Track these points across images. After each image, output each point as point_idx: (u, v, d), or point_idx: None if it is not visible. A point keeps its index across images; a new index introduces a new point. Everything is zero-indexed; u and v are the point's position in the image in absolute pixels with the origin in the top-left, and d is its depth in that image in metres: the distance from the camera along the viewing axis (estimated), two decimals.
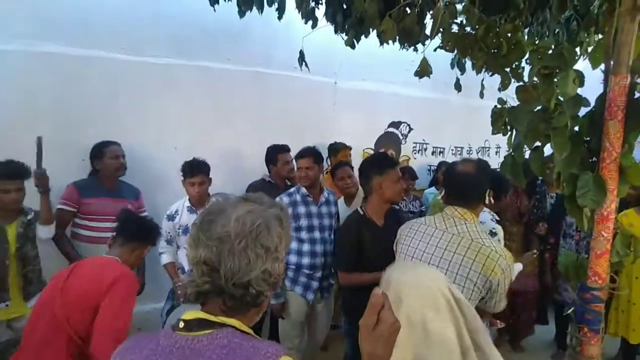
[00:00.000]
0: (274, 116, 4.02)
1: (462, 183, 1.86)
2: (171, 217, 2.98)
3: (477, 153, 5.65)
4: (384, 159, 2.49)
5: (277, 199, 2.95)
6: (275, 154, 3.43)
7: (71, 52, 3.17)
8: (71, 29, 3.16)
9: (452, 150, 5.44)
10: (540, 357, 3.95)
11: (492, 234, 2.50)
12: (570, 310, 1.75)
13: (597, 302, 1.67)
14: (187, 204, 3.00)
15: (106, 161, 3.00)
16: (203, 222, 0.90)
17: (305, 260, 2.87)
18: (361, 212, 2.44)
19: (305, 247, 2.88)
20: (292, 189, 3.01)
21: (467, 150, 5.57)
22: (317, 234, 2.89)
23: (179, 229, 2.96)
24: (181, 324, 0.88)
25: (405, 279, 1.21)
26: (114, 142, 3.06)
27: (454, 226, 1.80)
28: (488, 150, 5.72)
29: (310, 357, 3.26)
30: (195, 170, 2.91)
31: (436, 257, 1.77)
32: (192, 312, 0.90)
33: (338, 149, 3.99)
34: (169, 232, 2.98)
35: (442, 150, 5.36)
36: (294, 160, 3.18)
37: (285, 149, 3.46)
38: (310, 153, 2.95)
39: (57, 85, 3.14)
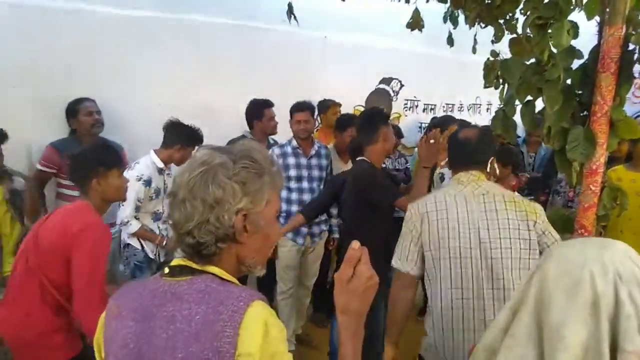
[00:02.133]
0: (260, 71, 3.91)
1: (468, 149, 1.81)
2: (148, 182, 2.77)
3: (468, 110, 5.62)
4: (380, 109, 2.67)
5: (270, 150, 3.07)
6: (261, 109, 3.36)
7: (49, 5, 3.02)
8: None
9: (444, 107, 5.39)
10: None
11: None
12: None
13: None
14: (159, 164, 2.84)
15: (81, 118, 2.93)
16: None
17: (294, 208, 3.08)
18: (369, 162, 2.50)
19: (294, 195, 3.10)
20: (284, 142, 3.20)
21: (459, 108, 5.52)
22: (305, 184, 3.11)
23: (153, 194, 2.82)
24: (167, 270, 0.93)
25: (560, 249, 0.96)
26: (87, 99, 2.98)
27: (478, 187, 1.74)
28: (479, 107, 5.69)
29: (300, 304, 3.37)
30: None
31: (483, 222, 1.67)
32: (177, 260, 0.94)
33: (328, 106, 3.94)
34: (140, 199, 2.76)
35: (433, 107, 5.31)
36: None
37: (269, 104, 3.40)
38: (308, 107, 3.16)
39: (34, 39, 3.01)
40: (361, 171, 2.48)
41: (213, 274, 0.91)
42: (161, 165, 2.83)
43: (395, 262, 1.81)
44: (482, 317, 1.64)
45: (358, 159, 2.55)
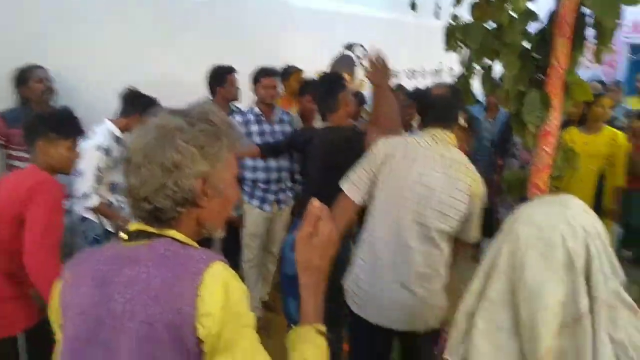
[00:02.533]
0: (222, 37, 3.79)
1: (441, 106, 1.85)
2: (107, 151, 2.63)
3: (432, 76, 5.66)
4: (338, 74, 2.59)
5: (230, 118, 2.96)
6: (223, 75, 3.26)
7: None
8: None
9: (407, 73, 5.41)
10: None
11: None
12: None
13: None
14: (117, 133, 2.71)
15: (31, 85, 2.76)
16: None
17: (261, 175, 3.06)
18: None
19: (260, 162, 3.04)
20: (246, 108, 3.15)
21: (421, 73, 5.56)
22: None
23: (111, 163, 2.68)
24: (124, 236, 0.91)
25: (527, 214, 0.98)
26: (37, 66, 2.81)
27: (447, 150, 1.80)
28: (441, 72, 5.74)
29: (266, 271, 3.41)
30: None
31: (440, 185, 1.76)
32: (135, 224, 0.92)
33: (290, 73, 3.85)
34: (101, 168, 2.64)
35: (396, 73, 5.32)
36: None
37: (232, 70, 3.30)
38: (275, 72, 3.16)
39: None
40: (328, 137, 2.46)
41: (172, 238, 0.90)
42: (119, 134, 2.73)
43: (344, 185, 1.90)
44: (405, 261, 1.80)
45: (321, 127, 2.52)
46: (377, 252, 1.84)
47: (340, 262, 2.31)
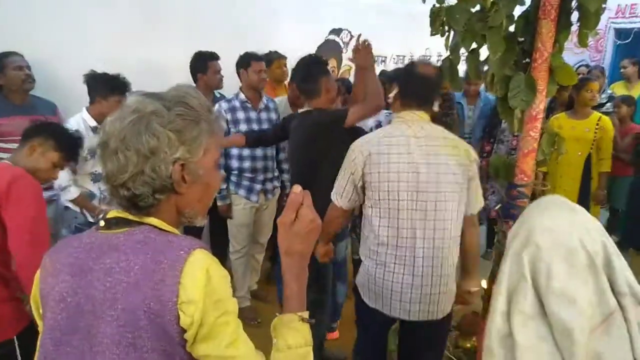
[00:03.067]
0: (207, 23, 3.72)
1: (422, 84, 1.84)
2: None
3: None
4: (321, 59, 2.51)
5: (216, 105, 2.97)
6: (205, 61, 3.21)
7: None
8: None
9: (394, 59, 5.38)
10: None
11: None
12: (498, 207, 1.86)
13: (522, 198, 1.77)
14: (91, 122, 2.65)
15: (9, 73, 2.68)
16: None
17: (247, 164, 3.02)
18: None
19: (246, 151, 3.00)
20: (230, 95, 3.08)
21: (409, 59, 5.52)
22: None
23: (87, 154, 2.61)
24: (102, 223, 0.90)
25: (541, 223, 0.99)
26: (14, 53, 2.73)
27: (421, 129, 1.79)
28: (429, 58, 5.71)
29: (255, 261, 3.39)
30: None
31: (422, 165, 1.74)
32: (113, 212, 0.91)
33: (272, 60, 3.77)
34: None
35: (384, 59, 5.29)
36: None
37: (214, 56, 3.25)
38: (263, 58, 3.15)
39: None
40: (309, 120, 2.41)
41: (152, 225, 0.89)
42: (94, 123, 2.65)
43: (333, 195, 1.94)
44: (412, 255, 1.78)
45: (302, 110, 2.48)
46: (385, 246, 1.82)
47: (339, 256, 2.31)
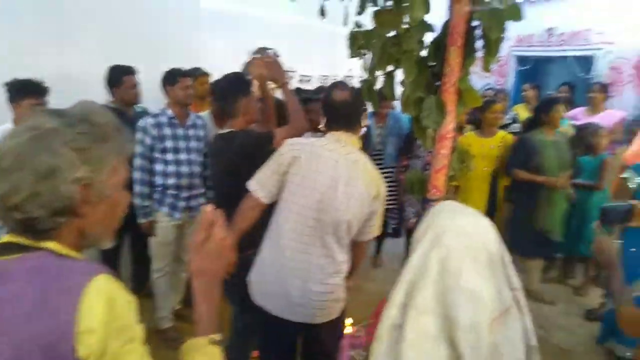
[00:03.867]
0: (126, 36, 3.60)
1: (344, 110, 1.91)
2: None
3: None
4: (243, 78, 2.43)
5: (142, 121, 2.89)
6: (119, 76, 3.11)
7: None
8: None
9: (319, 78, 5.51)
10: (393, 266, 4.45)
11: None
12: (414, 220, 1.96)
13: None
14: None
15: None
16: None
17: (171, 181, 2.94)
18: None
19: (170, 168, 2.93)
20: (157, 111, 3.00)
21: (333, 79, 5.68)
22: (182, 156, 2.96)
23: None
24: None
25: (450, 224, 1.07)
26: None
27: (353, 154, 1.87)
28: (352, 79, 5.91)
29: (178, 280, 3.29)
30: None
31: (342, 186, 1.82)
32: (6, 237, 0.84)
33: (196, 76, 3.73)
34: None
35: (309, 78, 5.40)
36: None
37: (131, 70, 3.16)
38: (190, 74, 3.11)
39: None
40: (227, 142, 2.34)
41: (49, 250, 0.83)
42: None
43: (252, 184, 1.93)
44: (305, 268, 1.87)
45: (224, 131, 2.36)
46: (281, 247, 1.88)
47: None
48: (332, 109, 1.94)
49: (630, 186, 2.82)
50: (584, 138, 3.91)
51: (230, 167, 2.27)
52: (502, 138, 3.81)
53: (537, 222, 3.59)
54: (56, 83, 2.73)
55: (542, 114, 3.63)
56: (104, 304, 0.78)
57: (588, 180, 3.79)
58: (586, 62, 5.95)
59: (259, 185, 1.91)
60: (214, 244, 0.89)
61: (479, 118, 3.90)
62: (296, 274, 1.87)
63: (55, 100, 2.88)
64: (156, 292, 3.12)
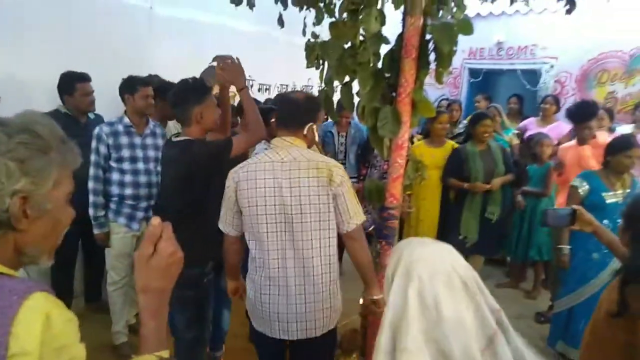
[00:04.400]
0: (77, 41, 3.47)
1: (289, 109, 1.89)
2: None
3: (302, 91, 5.85)
4: (200, 85, 2.30)
5: (97, 128, 2.79)
6: (72, 83, 2.99)
7: None
8: None
9: (278, 87, 5.51)
10: (353, 273, 4.48)
11: None
12: (371, 228, 1.99)
13: (392, 219, 1.93)
14: None
15: None
16: None
17: (128, 191, 2.84)
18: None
19: (128, 178, 2.83)
20: (114, 119, 2.88)
21: (292, 88, 5.70)
22: (140, 165, 2.87)
23: None
24: None
25: (416, 254, 1.04)
26: None
27: (288, 154, 1.82)
28: (311, 88, 5.96)
29: (134, 293, 3.18)
30: None
31: (286, 189, 1.79)
32: None
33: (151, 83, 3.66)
34: None
35: (268, 87, 5.39)
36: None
37: (84, 77, 3.05)
38: (150, 82, 2.99)
39: None
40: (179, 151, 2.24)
41: None
42: None
43: (220, 224, 1.95)
44: (284, 276, 1.83)
45: (180, 139, 2.25)
46: (261, 269, 1.86)
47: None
48: (280, 107, 1.94)
49: (580, 193, 2.97)
50: (530, 148, 4.11)
51: (184, 177, 2.16)
52: (452, 147, 3.94)
53: (460, 227, 3.74)
54: (5, 89, 2.62)
55: (471, 128, 3.81)
56: (41, 324, 0.74)
57: (535, 187, 3.96)
58: (533, 75, 6.24)
59: (224, 224, 1.94)
60: (161, 259, 0.84)
61: (427, 128, 4.01)
62: (281, 291, 1.84)
63: (3, 108, 2.76)
64: (111, 306, 3.00)
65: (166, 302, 0.89)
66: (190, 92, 2.23)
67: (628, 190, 2.91)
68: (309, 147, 1.89)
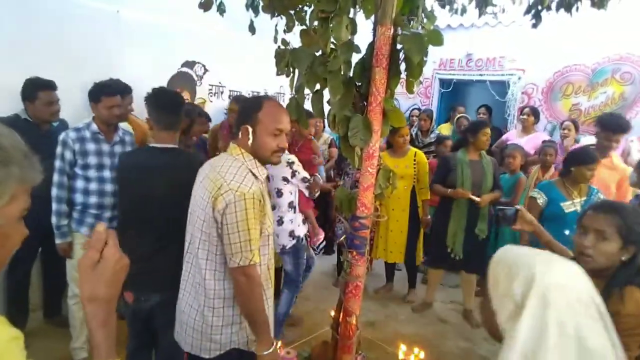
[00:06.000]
0: (41, 46, 3.36)
1: (235, 117, 1.87)
2: None
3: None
4: (173, 97, 2.32)
5: (63, 134, 2.69)
6: (34, 90, 2.88)
7: None
8: None
9: (249, 94, 5.46)
10: (325, 284, 4.45)
11: (290, 163, 2.91)
12: (342, 238, 1.96)
13: (363, 229, 1.91)
14: None
15: None
16: None
17: (93, 200, 2.75)
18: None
19: (93, 186, 2.74)
20: (80, 124, 2.78)
21: (264, 94, 5.66)
22: (107, 173, 2.77)
23: None
24: None
25: (552, 278, 0.94)
26: None
27: (219, 161, 1.76)
28: (283, 95, 5.93)
29: None
30: None
31: (195, 198, 1.79)
32: None
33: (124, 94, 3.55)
34: None
35: (239, 94, 5.33)
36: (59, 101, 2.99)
37: (49, 85, 2.93)
38: (119, 89, 2.94)
39: None
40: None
41: None
42: None
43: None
44: (183, 288, 1.86)
45: (162, 145, 2.18)
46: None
47: None
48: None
49: (539, 203, 3.04)
50: (503, 158, 4.19)
51: (185, 185, 1.95)
52: (415, 156, 3.97)
53: (446, 238, 3.78)
54: None
55: (470, 135, 3.80)
56: None
57: (506, 197, 4.03)
58: (502, 86, 6.40)
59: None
60: (107, 266, 0.82)
61: (389, 141, 4.04)
62: (181, 300, 1.88)
63: None
64: (71, 320, 2.88)
65: (113, 310, 0.86)
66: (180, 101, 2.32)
67: (585, 198, 2.99)
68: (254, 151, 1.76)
